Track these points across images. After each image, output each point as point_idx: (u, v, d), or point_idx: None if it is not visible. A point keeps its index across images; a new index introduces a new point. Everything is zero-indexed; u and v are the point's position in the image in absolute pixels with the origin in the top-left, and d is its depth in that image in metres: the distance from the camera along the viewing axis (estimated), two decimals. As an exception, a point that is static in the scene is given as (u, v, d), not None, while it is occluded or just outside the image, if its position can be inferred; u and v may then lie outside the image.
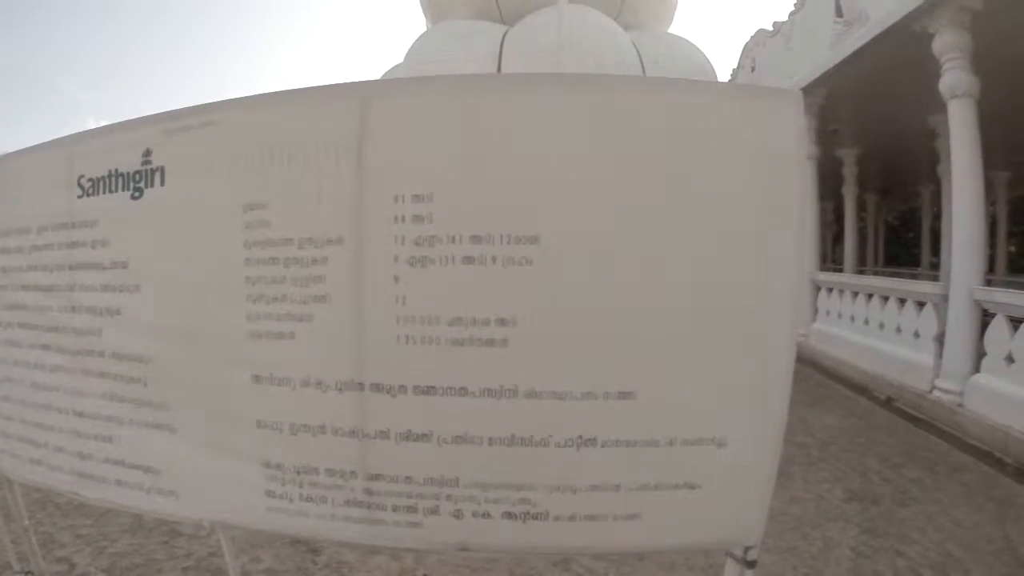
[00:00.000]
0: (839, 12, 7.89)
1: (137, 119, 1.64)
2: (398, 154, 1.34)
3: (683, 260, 1.32)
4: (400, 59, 11.45)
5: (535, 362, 1.33)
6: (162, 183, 1.57)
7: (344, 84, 1.41)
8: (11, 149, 2.06)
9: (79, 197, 1.76)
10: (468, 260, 1.30)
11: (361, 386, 1.40)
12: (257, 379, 1.48)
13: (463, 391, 1.35)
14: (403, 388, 1.37)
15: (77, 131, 1.88)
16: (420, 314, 1.34)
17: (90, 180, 1.73)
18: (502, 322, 1.31)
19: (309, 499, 1.52)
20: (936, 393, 5.63)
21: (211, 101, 1.52)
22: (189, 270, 1.55)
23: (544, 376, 1.33)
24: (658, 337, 1.33)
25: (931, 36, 5.90)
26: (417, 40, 11.52)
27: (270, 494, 1.55)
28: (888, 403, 6.05)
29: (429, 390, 1.36)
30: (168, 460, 1.72)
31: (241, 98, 1.49)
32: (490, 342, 1.32)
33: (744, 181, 1.32)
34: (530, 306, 1.31)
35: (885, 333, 6.92)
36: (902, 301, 6.68)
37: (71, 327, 1.83)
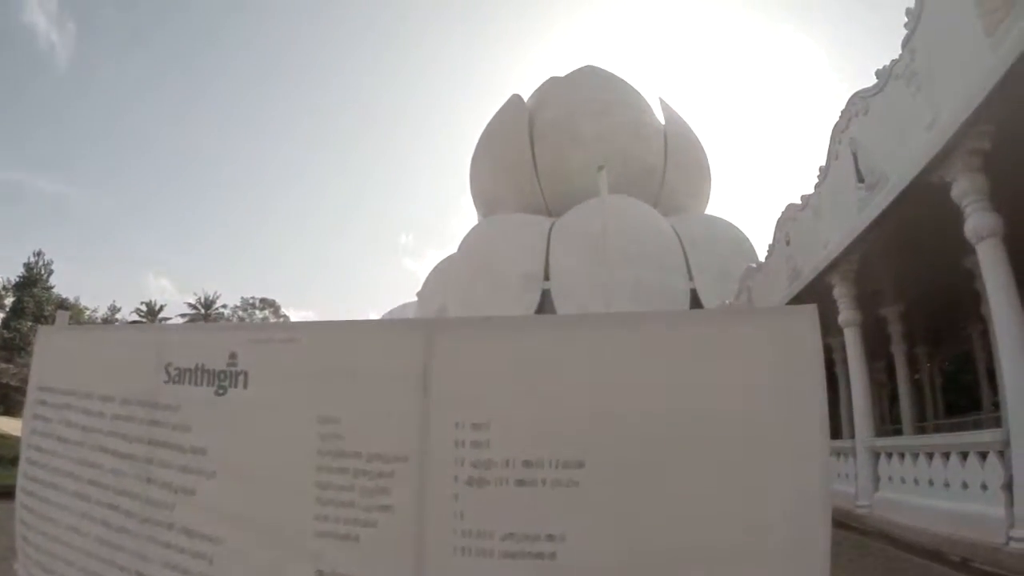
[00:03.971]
0: (860, 178, 8.15)
1: (226, 324, 1.90)
2: (459, 385, 1.53)
3: (716, 475, 1.43)
4: (453, 250, 11.79)
5: (581, 573, 1.43)
6: (245, 386, 1.77)
7: (411, 320, 1.65)
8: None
9: (165, 382, 1.97)
10: (520, 483, 1.44)
11: None
12: (320, 574, 1.60)
13: (514, 600, 1.44)
14: (458, 596, 1.47)
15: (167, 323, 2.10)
16: (476, 528, 1.46)
17: (177, 369, 1.94)
18: (551, 538, 1.43)
19: None
20: (1012, 544, 5.25)
21: (296, 320, 1.74)
22: (264, 467, 1.71)
23: None
24: (695, 547, 1.42)
25: (949, 184, 6.08)
26: (470, 233, 12.10)
27: (320, 678, 1.62)
28: (963, 565, 5.62)
29: (482, 599, 1.46)
30: (223, 634, 1.80)
31: (321, 321, 1.72)
32: (539, 555, 1.43)
33: (770, 394, 1.45)
34: (576, 523, 1.43)
35: (951, 491, 6.54)
36: (964, 455, 6.36)
37: (144, 496, 1.98)
